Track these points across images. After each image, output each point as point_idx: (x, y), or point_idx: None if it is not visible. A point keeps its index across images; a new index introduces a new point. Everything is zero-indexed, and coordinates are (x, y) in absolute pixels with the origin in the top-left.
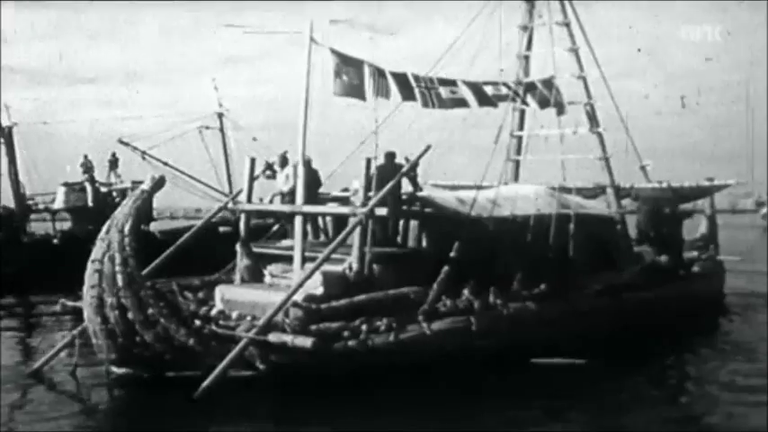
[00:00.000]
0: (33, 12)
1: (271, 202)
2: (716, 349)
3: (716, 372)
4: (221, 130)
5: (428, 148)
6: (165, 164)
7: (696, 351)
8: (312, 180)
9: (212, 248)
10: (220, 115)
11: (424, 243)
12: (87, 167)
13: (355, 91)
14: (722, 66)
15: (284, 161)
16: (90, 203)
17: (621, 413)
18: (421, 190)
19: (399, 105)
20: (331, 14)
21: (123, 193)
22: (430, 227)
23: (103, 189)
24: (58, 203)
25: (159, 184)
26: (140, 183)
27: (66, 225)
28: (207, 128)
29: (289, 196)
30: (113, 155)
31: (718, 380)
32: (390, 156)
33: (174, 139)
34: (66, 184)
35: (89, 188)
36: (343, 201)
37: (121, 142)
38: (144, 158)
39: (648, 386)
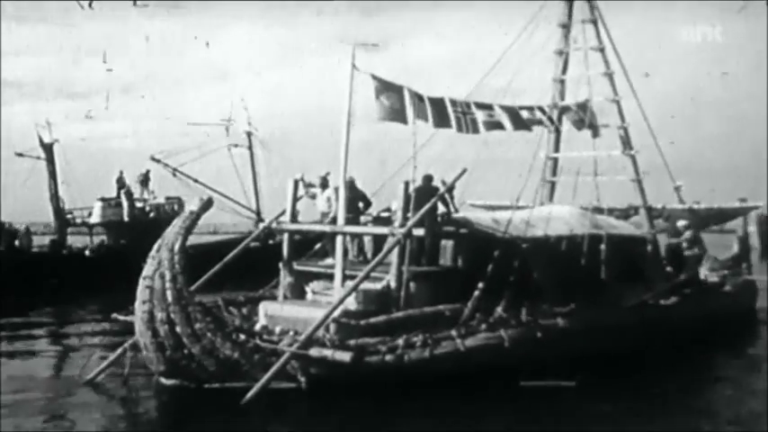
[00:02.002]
0: (26, 27)
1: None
2: (737, 364)
3: (730, 385)
4: (250, 148)
5: (464, 171)
6: (196, 181)
7: (716, 365)
8: (354, 200)
9: (243, 264)
10: (249, 134)
11: (460, 262)
12: (122, 183)
13: (397, 115)
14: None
15: (325, 183)
16: (125, 218)
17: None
18: (457, 211)
19: (434, 134)
20: (316, 29)
21: (158, 209)
22: (465, 246)
23: (138, 204)
24: (95, 218)
25: (207, 205)
26: (174, 199)
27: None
28: (236, 146)
29: (331, 220)
30: (146, 171)
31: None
32: (428, 178)
33: (203, 157)
34: (102, 199)
35: (125, 203)
36: (384, 221)
37: (153, 159)
38: (175, 175)
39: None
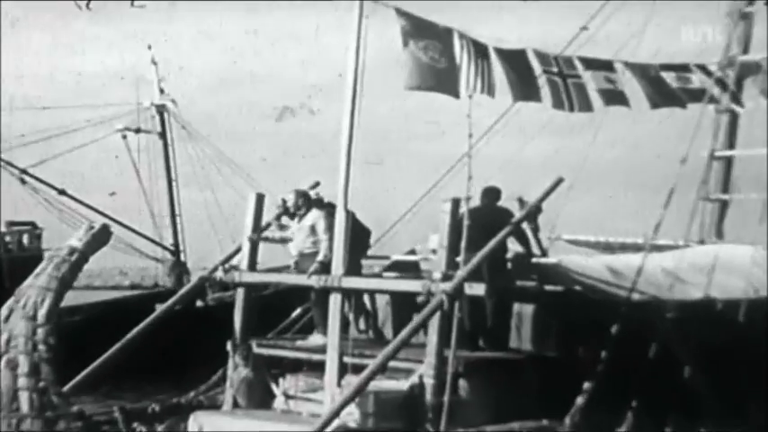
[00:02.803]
0: None
1: None
2: None
3: None
4: (162, 134)
5: (559, 182)
6: (62, 192)
7: None
8: (356, 234)
9: (161, 343)
10: (161, 110)
11: (549, 343)
12: None
13: (443, 80)
14: None
15: (303, 202)
16: None
17: None
18: (544, 253)
19: (511, 109)
20: None
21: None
22: (559, 316)
23: None
24: None
25: (100, 238)
26: (24, 225)
27: None
28: (137, 131)
29: (317, 264)
30: None
31: None
32: (492, 193)
33: (79, 150)
34: None
35: None
36: (410, 268)
37: None
38: (24, 182)
39: None
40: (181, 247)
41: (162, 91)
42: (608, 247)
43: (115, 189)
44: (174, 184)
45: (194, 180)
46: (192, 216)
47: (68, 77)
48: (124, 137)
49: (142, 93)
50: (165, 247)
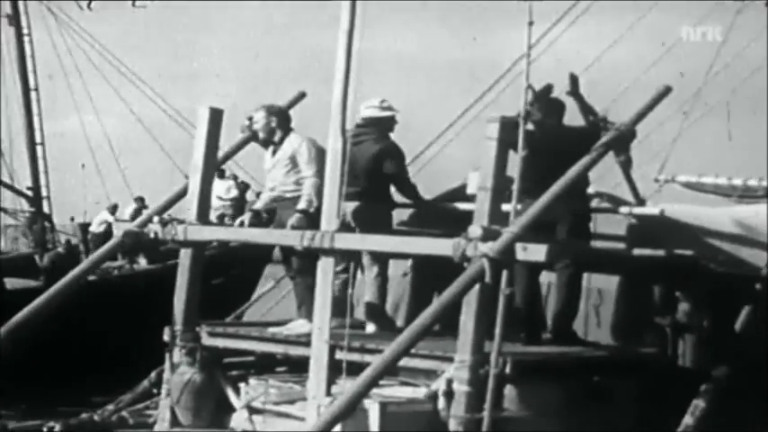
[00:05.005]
0: None
1: None
2: None
3: None
4: (14, 18)
5: (666, 92)
6: None
7: None
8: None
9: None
10: None
11: (644, 335)
12: None
13: None
14: None
15: (279, 123)
16: None
17: None
18: (640, 200)
19: None
20: None
21: None
22: (656, 292)
23: None
24: None
25: None
26: None
27: None
28: None
29: (299, 215)
30: None
31: None
32: (556, 106)
33: None
34: None
35: None
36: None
37: None
38: None
39: None
40: (44, 193)
41: None
42: (746, 193)
43: None
44: (33, 95)
45: (66, 92)
46: (63, 147)
47: None
48: None
49: None
50: (18, 192)
